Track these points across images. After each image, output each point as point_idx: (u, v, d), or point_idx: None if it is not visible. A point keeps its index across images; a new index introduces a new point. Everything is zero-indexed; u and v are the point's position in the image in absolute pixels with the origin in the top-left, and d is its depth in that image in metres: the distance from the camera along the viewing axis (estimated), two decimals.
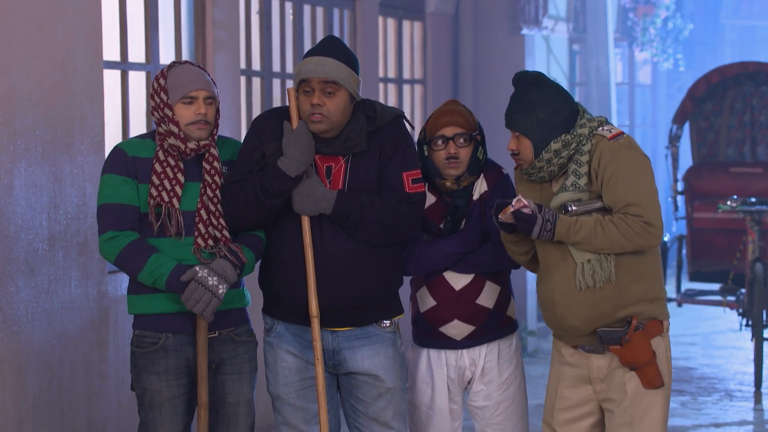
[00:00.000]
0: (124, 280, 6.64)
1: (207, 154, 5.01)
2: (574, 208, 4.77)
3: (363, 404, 5.13)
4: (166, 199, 4.94)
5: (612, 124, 4.93)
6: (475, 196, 5.23)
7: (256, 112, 8.57)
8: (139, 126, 7.13)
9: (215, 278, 4.87)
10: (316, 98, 4.88)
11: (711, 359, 11.37)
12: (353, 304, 5.02)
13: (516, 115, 4.86)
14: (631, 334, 4.78)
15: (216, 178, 5.00)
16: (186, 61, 5.11)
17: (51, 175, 6.04)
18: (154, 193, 4.94)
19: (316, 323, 4.98)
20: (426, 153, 5.21)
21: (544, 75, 4.94)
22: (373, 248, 5.00)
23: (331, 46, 4.97)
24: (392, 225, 4.96)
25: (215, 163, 5.01)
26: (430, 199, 5.24)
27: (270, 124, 5.02)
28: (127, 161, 4.97)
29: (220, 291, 4.87)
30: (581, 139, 4.82)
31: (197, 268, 4.88)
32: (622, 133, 4.84)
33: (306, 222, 4.94)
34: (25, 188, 5.86)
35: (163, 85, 5.00)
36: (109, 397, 6.48)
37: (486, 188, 5.23)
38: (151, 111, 5.06)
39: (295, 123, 4.92)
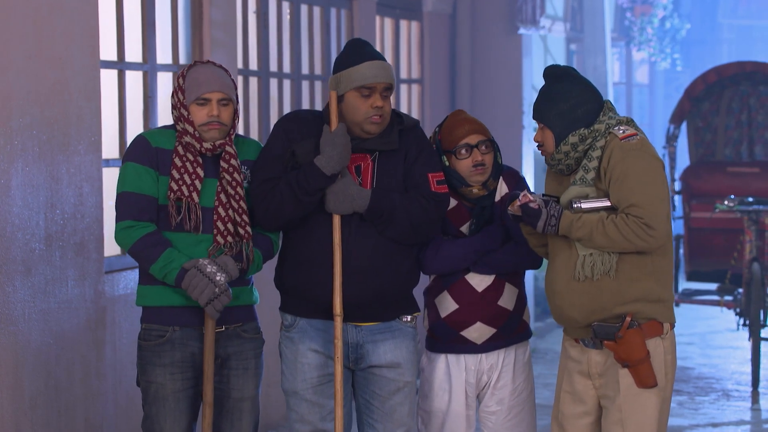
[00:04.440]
0: (121, 279, 6.64)
1: (224, 153, 5.05)
2: (580, 205, 4.84)
3: (379, 399, 5.18)
4: (186, 193, 5.00)
5: (634, 124, 4.98)
6: (496, 198, 5.32)
7: (254, 111, 8.57)
8: (136, 126, 7.12)
9: (214, 267, 4.93)
10: (380, 101, 5.04)
11: (708, 359, 11.38)
12: (379, 300, 5.12)
13: (540, 107, 4.97)
14: (624, 331, 4.81)
15: (235, 175, 5.05)
16: (208, 61, 5.16)
17: (48, 175, 6.03)
18: (175, 187, 5.00)
19: (339, 321, 5.06)
20: (447, 163, 5.28)
21: (573, 69, 5.04)
22: (398, 246, 5.12)
23: (375, 50, 5.13)
24: (420, 223, 5.09)
25: (232, 161, 5.05)
26: (451, 202, 5.30)
27: (298, 124, 5.15)
28: (150, 151, 5.04)
29: (218, 279, 4.91)
30: (596, 134, 4.90)
31: (200, 259, 4.96)
32: (636, 134, 4.89)
33: (337, 220, 5.04)
34: (22, 188, 5.86)
35: (181, 85, 5.07)
36: (106, 397, 6.48)
37: (507, 190, 5.32)
38: (171, 108, 5.11)
39: (335, 124, 5.04)
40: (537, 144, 5.02)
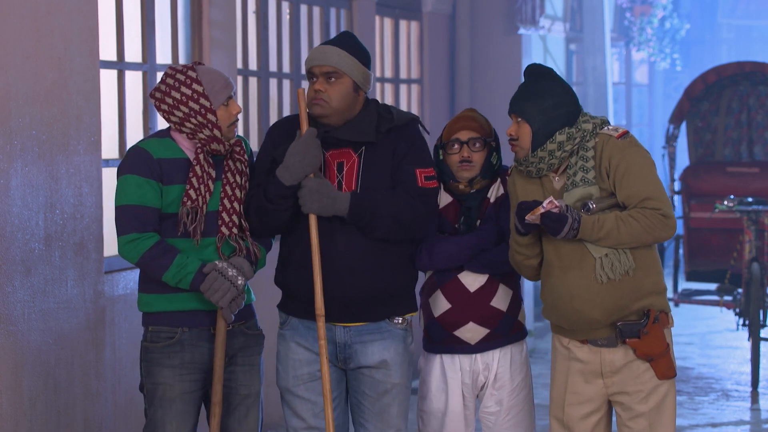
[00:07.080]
0: (120, 280, 6.64)
1: (233, 153, 5.07)
2: (594, 206, 4.88)
3: (369, 400, 5.19)
4: (201, 204, 5.00)
5: (611, 124, 5.05)
6: (492, 199, 5.32)
7: (253, 111, 8.57)
8: (135, 126, 7.13)
9: (234, 271, 4.95)
10: (318, 84, 5.04)
11: (708, 359, 11.38)
12: (365, 299, 5.11)
13: (521, 101, 4.98)
14: (650, 326, 4.91)
15: (242, 168, 5.08)
16: (199, 63, 5.12)
17: (47, 175, 6.03)
18: (194, 195, 4.98)
19: (321, 321, 5.06)
20: (441, 157, 5.31)
21: (554, 71, 5.09)
22: (385, 245, 5.10)
23: (339, 37, 5.14)
24: (406, 220, 5.06)
25: (244, 156, 5.10)
26: (447, 198, 5.33)
27: (282, 131, 5.17)
28: (152, 163, 4.98)
29: (239, 282, 4.94)
30: (585, 134, 4.95)
31: (217, 262, 4.97)
32: (627, 132, 4.99)
33: (313, 221, 5.01)
34: (22, 188, 5.86)
35: (201, 91, 4.98)
36: (105, 397, 6.48)
37: (503, 192, 5.32)
38: (180, 120, 4.99)
39: (304, 127, 5.03)
40: (509, 138, 5.00)
